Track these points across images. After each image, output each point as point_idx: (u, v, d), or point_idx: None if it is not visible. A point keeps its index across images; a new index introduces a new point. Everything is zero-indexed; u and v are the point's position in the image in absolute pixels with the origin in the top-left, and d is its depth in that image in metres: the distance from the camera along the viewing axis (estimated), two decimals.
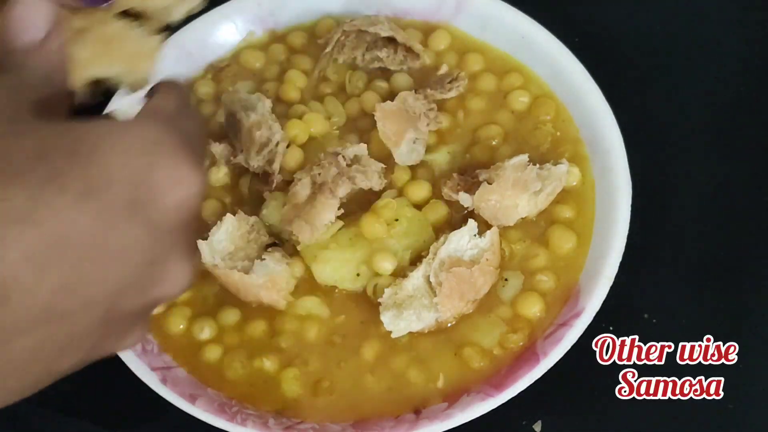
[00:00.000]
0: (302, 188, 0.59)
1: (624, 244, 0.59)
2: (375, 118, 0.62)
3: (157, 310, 0.58)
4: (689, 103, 0.70)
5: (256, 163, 0.62)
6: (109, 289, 0.35)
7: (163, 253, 0.37)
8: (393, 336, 0.57)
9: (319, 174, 0.59)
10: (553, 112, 0.66)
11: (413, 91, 0.64)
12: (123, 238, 0.35)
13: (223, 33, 0.71)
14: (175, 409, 0.56)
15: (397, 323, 0.57)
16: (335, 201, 0.58)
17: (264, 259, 0.59)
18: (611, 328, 0.61)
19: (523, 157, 0.61)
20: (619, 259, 0.59)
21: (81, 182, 0.34)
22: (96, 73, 0.45)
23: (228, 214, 0.59)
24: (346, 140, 0.65)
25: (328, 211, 0.58)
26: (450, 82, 0.65)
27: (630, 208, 0.60)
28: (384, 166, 0.61)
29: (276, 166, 0.62)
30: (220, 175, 0.65)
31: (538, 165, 0.61)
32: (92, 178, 0.34)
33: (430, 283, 0.58)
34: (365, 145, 0.61)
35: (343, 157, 0.60)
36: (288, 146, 0.63)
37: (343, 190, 0.59)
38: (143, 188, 0.35)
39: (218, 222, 0.59)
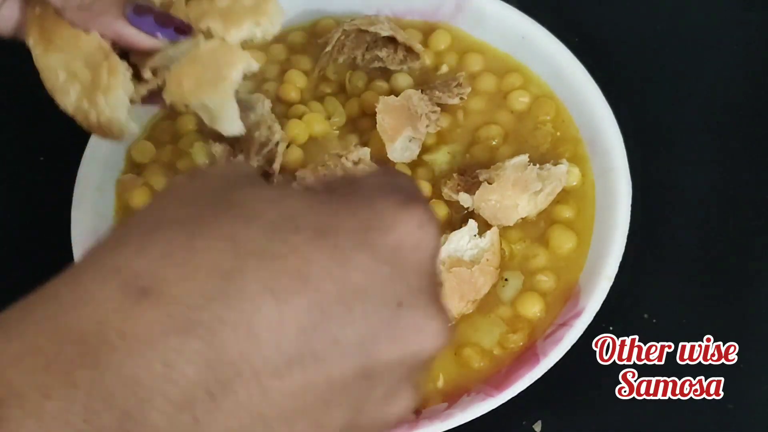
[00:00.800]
0: None
1: (624, 244, 0.59)
2: (376, 110, 0.62)
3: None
4: (689, 103, 0.70)
5: (255, 163, 0.62)
6: (358, 329, 0.34)
7: (410, 296, 0.35)
8: None
9: (324, 175, 0.59)
10: (553, 112, 0.66)
11: (420, 90, 0.64)
12: (362, 275, 0.34)
13: None
14: None
15: None
16: None
17: None
18: (611, 328, 0.61)
19: (524, 158, 0.61)
20: (619, 259, 0.59)
21: (313, 224, 0.34)
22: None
23: None
24: (346, 140, 0.65)
25: None
26: (456, 87, 0.65)
27: (630, 208, 0.60)
28: None
29: (276, 166, 0.62)
30: None
31: (538, 165, 0.61)
32: (323, 222, 0.34)
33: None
34: (368, 149, 0.61)
35: (347, 158, 0.60)
36: (288, 146, 0.63)
37: None
38: (374, 232, 0.35)
39: None
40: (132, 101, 0.50)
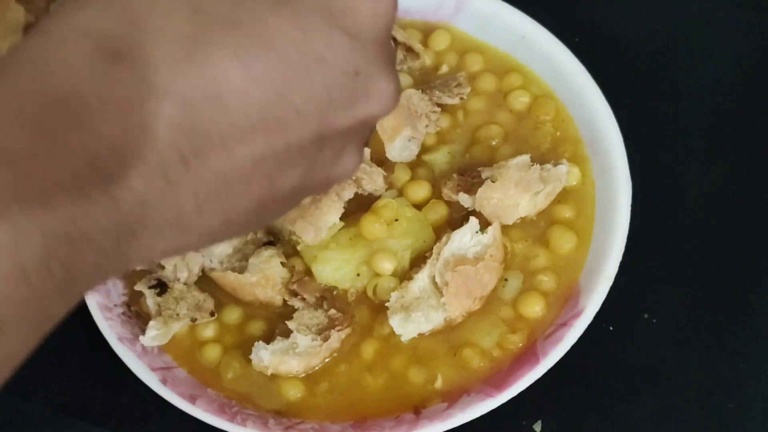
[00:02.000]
0: None
1: (624, 244, 0.59)
2: None
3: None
4: (689, 103, 0.70)
5: None
6: (317, 97, 0.35)
7: (366, 64, 0.37)
8: (403, 339, 0.57)
9: None
10: (553, 112, 0.66)
11: (420, 90, 0.64)
12: (322, 44, 0.35)
13: None
14: (175, 409, 0.56)
15: (406, 326, 0.57)
16: (340, 203, 0.59)
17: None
18: (611, 328, 0.61)
19: (525, 157, 0.61)
20: (619, 259, 0.59)
21: None
22: None
23: None
24: None
25: (332, 214, 0.58)
26: (456, 86, 0.65)
27: (630, 208, 0.60)
28: (385, 174, 0.61)
29: None
30: None
31: (539, 165, 0.61)
32: None
33: (435, 283, 0.58)
34: (369, 150, 0.61)
35: None
36: None
37: (349, 193, 0.59)
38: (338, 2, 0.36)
39: None
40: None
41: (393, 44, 0.40)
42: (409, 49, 0.67)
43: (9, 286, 0.29)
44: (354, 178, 0.60)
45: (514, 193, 0.59)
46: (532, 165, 0.60)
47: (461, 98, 0.65)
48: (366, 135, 0.41)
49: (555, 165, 0.61)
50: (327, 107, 0.36)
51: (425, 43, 0.69)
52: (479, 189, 0.59)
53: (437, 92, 0.65)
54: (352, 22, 0.36)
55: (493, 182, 0.59)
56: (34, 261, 0.30)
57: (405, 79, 0.68)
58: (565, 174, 0.61)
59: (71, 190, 0.31)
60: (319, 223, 0.58)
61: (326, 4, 0.36)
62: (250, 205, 0.37)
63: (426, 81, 0.67)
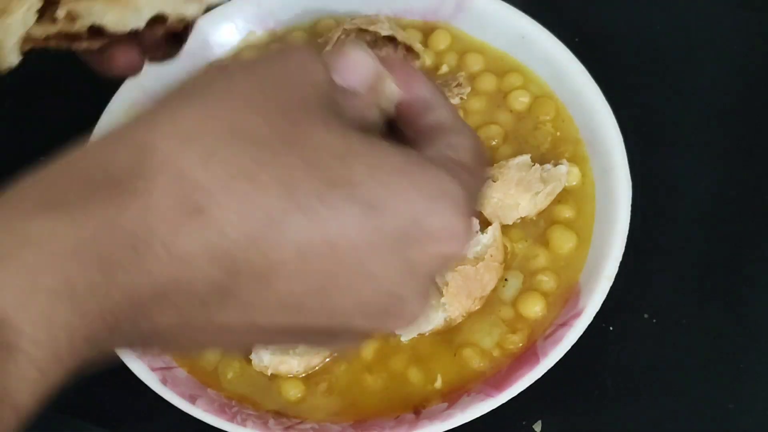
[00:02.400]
0: None
1: (624, 244, 0.59)
2: None
3: None
4: (689, 102, 0.70)
5: None
6: (353, 308, 0.36)
7: (410, 294, 0.37)
8: (403, 339, 0.57)
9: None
10: (553, 112, 0.66)
11: None
12: (384, 264, 0.35)
13: (223, 33, 0.71)
14: (175, 409, 0.56)
15: None
16: None
17: None
18: (611, 328, 0.61)
19: (526, 158, 0.61)
20: (620, 259, 0.59)
21: (368, 198, 0.34)
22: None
23: None
24: None
25: None
26: (456, 86, 0.65)
27: (630, 208, 0.60)
28: None
29: None
30: None
31: (539, 166, 0.61)
32: (379, 198, 0.34)
33: (435, 283, 0.57)
34: None
35: None
36: None
37: None
38: (416, 228, 0.35)
39: None
40: (30, 37, 0.48)
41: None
42: (410, 49, 0.67)
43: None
44: None
45: (514, 193, 0.59)
46: (533, 165, 0.60)
47: (461, 98, 0.65)
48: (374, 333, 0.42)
49: (555, 165, 0.61)
50: (358, 317, 0.36)
51: (425, 43, 0.69)
52: None
53: None
54: (419, 254, 0.36)
55: (494, 182, 0.59)
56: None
57: None
58: (565, 174, 0.61)
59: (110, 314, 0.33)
60: None
61: (406, 230, 0.35)
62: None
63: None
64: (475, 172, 0.39)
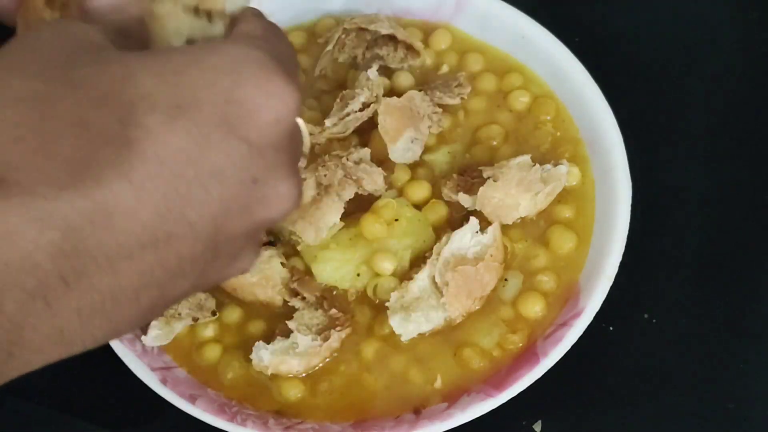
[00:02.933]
0: (307, 189, 0.59)
1: (624, 244, 0.59)
2: (378, 110, 0.62)
3: None
4: (690, 102, 0.70)
5: None
6: (213, 210, 0.35)
7: (265, 171, 0.36)
8: (403, 339, 0.57)
9: (325, 175, 0.59)
10: (553, 112, 0.66)
11: (422, 91, 0.64)
12: (219, 156, 0.34)
13: None
14: (175, 409, 0.56)
15: (406, 326, 0.57)
16: (340, 203, 0.59)
17: None
18: (611, 328, 0.61)
19: (527, 158, 0.61)
20: (619, 259, 0.59)
21: (169, 101, 0.33)
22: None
23: None
24: (346, 140, 0.65)
25: (333, 214, 0.58)
26: (456, 86, 0.65)
27: (630, 208, 0.60)
28: (384, 174, 0.61)
29: None
30: None
31: (539, 166, 0.61)
32: (180, 97, 0.34)
33: (435, 283, 0.58)
34: (368, 149, 0.61)
35: (347, 159, 0.60)
36: None
37: (349, 193, 0.59)
38: (234, 105, 0.35)
39: None
40: None
41: (298, 141, 0.39)
42: (410, 48, 0.67)
43: None
44: (355, 178, 0.60)
45: (515, 193, 0.59)
46: (533, 165, 0.60)
47: (462, 98, 0.65)
48: (262, 233, 0.40)
49: (555, 165, 0.61)
50: (223, 217, 0.35)
51: (425, 43, 0.69)
52: (481, 188, 0.59)
53: (438, 92, 0.65)
54: (251, 129, 0.35)
55: (495, 182, 0.59)
56: None
57: (407, 78, 0.68)
58: (565, 174, 0.61)
59: None
60: (319, 224, 0.58)
61: (224, 113, 0.35)
62: (138, 313, 0.36)
63: (426, 81, 0.67)
64: (270, 38, 0.38)
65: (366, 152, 0.61)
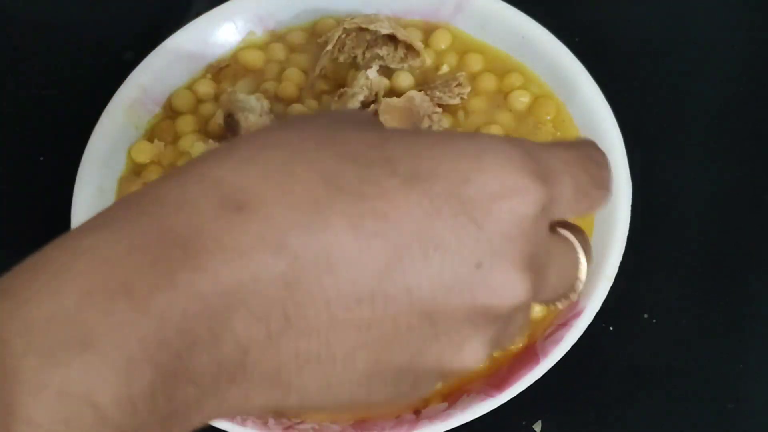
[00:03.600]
0: None
1: (624, 244, 0.59)
2: (378, 110, 0.62)
3: None
4: (690, 102, 0.70)
5: None
6: (432, 282, 0.34)
7: (491, 258, 0.35)
8: None
9: None
10: (553, 112, 0.66)
11: (422, 91, 0.64)
12: (446, 231, 0.34)
13: (223, 33, 0.71)
14: None
15: None
16: None
17: None
18: (611, 328, 0.61)
19: None
20: (619, 259, 0.59)
21: (409, 170, 0.34)
22: None
23: None
24: None
25: None
26: (456, 86, 0.65)
27: (630, 208, 0.60)
28: None
29: None
30: None
31: None
32: (420, 168, 0.34)
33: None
34: None
35: None
36: None
37: None
38: (470, 187, 0.34)
39: None
40: None
41: (539, 241, 0.37)
42: (410, 48, 0.67)
43: (120, 414, 0.30)
44: None
45: None
46: None
47: (462, 98, 0.65)
48: (495, 331, 0.37)
49: None
50: (442, 292, 0.34)
51: (425, 43, 0.69)
52: None
53: (438, 92, 0.65)
54: (483, 214, 0.34)
55: None
56: (143, 390, 0.30)
57: (407, 78, 0.68)
58: None
59: (180, 324, 0.31)
60: None
61: (459, 192, 0.34)
62: (353, 377, 0.35)
63: (426, 81, 0.67)
64: (569, 164, 0.38)
65: None
